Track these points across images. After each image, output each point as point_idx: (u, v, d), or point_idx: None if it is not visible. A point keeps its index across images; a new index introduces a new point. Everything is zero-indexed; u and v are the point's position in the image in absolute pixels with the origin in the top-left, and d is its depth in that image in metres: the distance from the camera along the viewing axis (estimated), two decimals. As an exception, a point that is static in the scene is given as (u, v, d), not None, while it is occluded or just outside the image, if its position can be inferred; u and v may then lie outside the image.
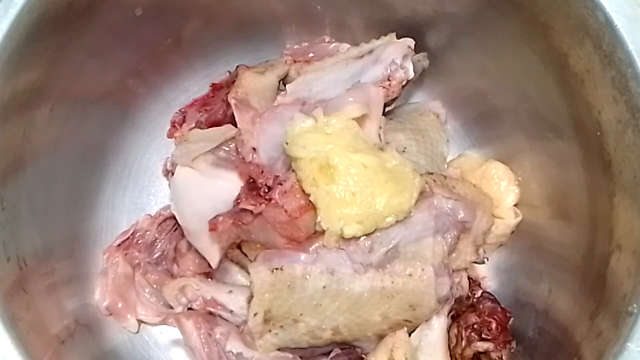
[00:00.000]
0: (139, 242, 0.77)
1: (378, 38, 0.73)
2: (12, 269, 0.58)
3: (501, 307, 0.71)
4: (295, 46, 0.83)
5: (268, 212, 0.64)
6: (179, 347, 0.75)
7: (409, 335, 0.66)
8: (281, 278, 0.62)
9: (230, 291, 0.69)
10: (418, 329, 0.66)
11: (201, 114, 0.78)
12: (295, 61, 0.80)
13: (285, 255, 0.63)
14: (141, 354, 0.74)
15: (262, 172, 0.64)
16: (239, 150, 0.68)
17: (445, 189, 0.67)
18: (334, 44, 0.82)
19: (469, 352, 0.68)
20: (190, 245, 0.73)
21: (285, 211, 0.63)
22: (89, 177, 0.76)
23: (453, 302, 0.68)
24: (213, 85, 0.82)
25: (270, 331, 0.63)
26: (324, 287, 0.62)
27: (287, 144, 0.63)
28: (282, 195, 0.63)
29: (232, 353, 0.66)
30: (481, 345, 0.68)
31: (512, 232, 0.75)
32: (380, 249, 0.62)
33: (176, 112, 0.82)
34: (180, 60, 0.80)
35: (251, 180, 0.66)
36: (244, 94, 0.73)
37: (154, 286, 0.76)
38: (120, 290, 0.73)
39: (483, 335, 0.69)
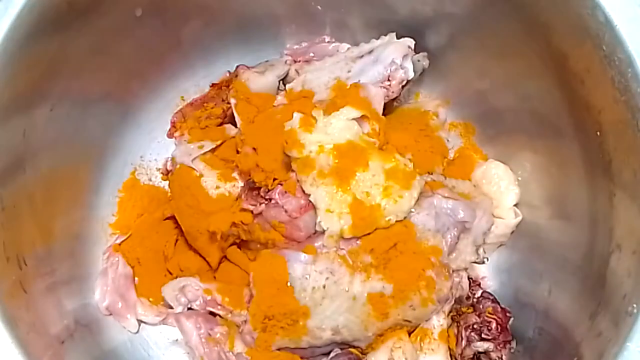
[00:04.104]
0: (140, 242, 0.77)
1: (378, 38, 0.74)
2: (12, 269, 0.58)
3: (501, 307, 0.71)
4: (295, 46, 0.83)
5: (268, 212, 0.64)
6: (179, 347, 0.75)
7: (409, 335, 0.66)
8: (281, 278, 0.62)
9: (230, 291, 0.69)
10: (418, 328, 0.66)
11: (201, 113, 0.78)
12: (295, 61, 0.80)
13: (285, 255, 0.63)
14: (141, 354, 0.74)
15: (262, 172, 0.64)
16: (239, 150, 0.68)
17: (445, 188, 0.67)
18: (334, 44, 0.82)
19: (469, 352, 0.68)
20: (190, 245, 0.73)
21: (285, 211, 0.63)
22: (89, 177, 0.76)
23: (453, 302, 0.68)
24: (213, 85, 0.82)
25: (270, 331, 0.63)
26: (324, 287, 0.62)
27: (286, 143, 0.63)
28: (282, 195, 0.63)
29: (232, 353, 0.66)
30: (481, 345, 0.68)
31: (512, 232, 0.75)
32: (380, 249, 0.62)
33: (176, 112, 0.82)
34: (180, 60, 0.80)
35: (251, 180, 0.66)
36: (244, 94, 0.74)
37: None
38: (120, 290, 0.73)
39: (483, 335, 0.69)
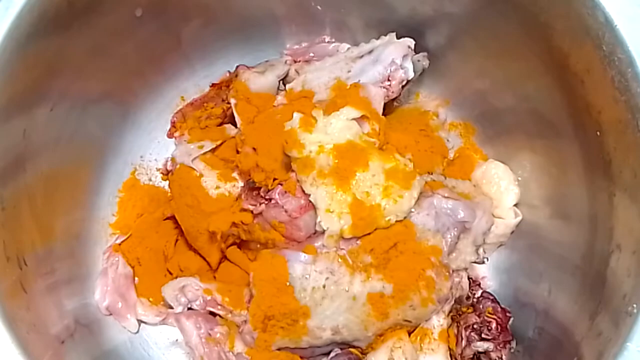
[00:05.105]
0: (140, 242, 0.77)
1: (378, 38, 0.74)
2: (12, 269, 0.58)
3: (501, 307, 0.71)
4: (295, 46, 0.83)
5: (268, 212, 0.64)
6: (179, 347, 0.75)
7: (409, 335, 0.66)
8: (281, 278, 0.62)
9: (230, 291, 0.69)
10: (418, 328, 0.66)
11: (201, 113, 0.78)
12: (295, 61, 0.80)
13: (285, 255, 0.63)
14: (141, 354, 0.74)
15: (262, 172, 0.64)
16: (239, 150, 0.68)
17: (445, 188, 0.67)
18: (334, 44, 0.82)
19: (469, 352, 0.68)
20: (190, 245, 0.73)
21: (285, 211, 0.63)
22: (89, 177, 0.76)
23: (453, 302, 0.68)
24: (213, 85, 0.82)
25: (270, 331, 0.63)
26: (324, 287, 0.62)
27: (286, 143, 0.63)
28: (282, 195, 0.63)
29: (232, 353, 0.66)
30: (481, 345, 0.68)
31: (512, 232, 0.75)
32: (379, 249, 0.62)
33: (176, 112, 0.82)
34: (180, 60, 0.81)
35: (251, 180, 0.66)
36: (244, 94, 0.74)
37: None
38: (120, 290, 0.73)
39: (483, 335, 0.69)
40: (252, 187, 0.66)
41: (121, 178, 0.80)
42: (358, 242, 0.63)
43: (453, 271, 0.67)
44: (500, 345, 0.68)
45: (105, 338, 0.71)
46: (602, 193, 0.60)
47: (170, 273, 0.75)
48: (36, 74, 0.60)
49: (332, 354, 0.66)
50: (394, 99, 0.72)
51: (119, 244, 0.75)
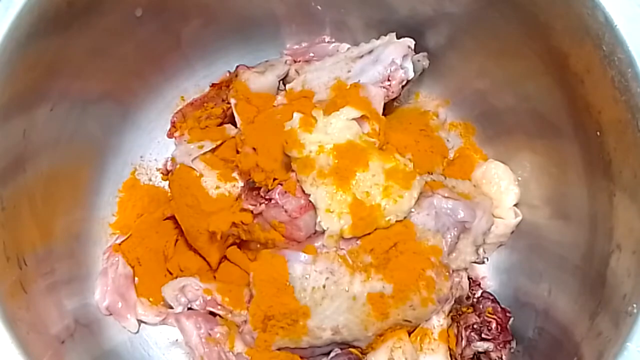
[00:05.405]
0: (140, 242, 0.77)
1: (378, 38, 0.74)
2: (12, 269, 0.58)
3: (501, 307, 0.71)
4: (295, 46, 0.83)
5: (268, 212, 0.64)
6: (179, 347, 0.75)
7: (409, 335, 0.66)
8: (281, 278, 0.62)
9: (230, 291, 0.69)
10: (418, 328, 0.66)
11: (201, 113, 0.78)
12: (295, 61, 0.80)
13: (285, 255, 0.63)
14: (141, 354, 0.74)
15: (262, 172, 0.64)
16: (239, 150, 0.68)
17: (445, 188, 0.67)
18: (334, 44, 0.82)
19: (469, 352, 0.68)
20: (190, 245, 0.73)
21: (285, 211, 0.63)
22: (89, 177, 0.76)
23: (453, 302, 0.68)
24: (213, 85, 0.83)
25: (270, 331, 0.63)
26: (324, 287, 0.62)
27: (286, 143, 0.63)
28: (282, 195, 0.63)
29: (232, 353, 0.66)
30: (481, 345, 0.68)
31: (512, 232, 0.75)
32: (379, 249, 0.62)
33: (176, 112, 0.82)
34: (180, 60, 0.81)
35: (251, 180, 0.66)
36: (244, 94, 0.74)
37: (154, 286, 0.76)
38: (120, 290, 0.73)
39: (483, 335, 0.69)
40: (252, 187, 0.66)
41: (121, 178, 0.80)
42: (358, 242, 0.63)
43: (453, 271, 0.67)
44: (500, 345, 0.68)
45: (105, 338, 0.71)
46: (602, 193, 0.60)
47: (170, 273, 0.75)
48: (36, 74, 0.60)
49: (332, 354, 0.66)
50: (394, 99, 0.72)
51: (119, 244, 0.75)
